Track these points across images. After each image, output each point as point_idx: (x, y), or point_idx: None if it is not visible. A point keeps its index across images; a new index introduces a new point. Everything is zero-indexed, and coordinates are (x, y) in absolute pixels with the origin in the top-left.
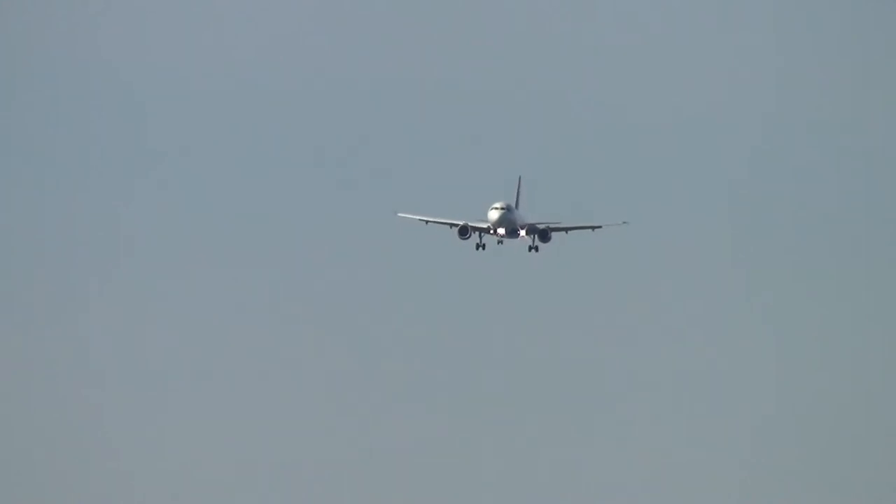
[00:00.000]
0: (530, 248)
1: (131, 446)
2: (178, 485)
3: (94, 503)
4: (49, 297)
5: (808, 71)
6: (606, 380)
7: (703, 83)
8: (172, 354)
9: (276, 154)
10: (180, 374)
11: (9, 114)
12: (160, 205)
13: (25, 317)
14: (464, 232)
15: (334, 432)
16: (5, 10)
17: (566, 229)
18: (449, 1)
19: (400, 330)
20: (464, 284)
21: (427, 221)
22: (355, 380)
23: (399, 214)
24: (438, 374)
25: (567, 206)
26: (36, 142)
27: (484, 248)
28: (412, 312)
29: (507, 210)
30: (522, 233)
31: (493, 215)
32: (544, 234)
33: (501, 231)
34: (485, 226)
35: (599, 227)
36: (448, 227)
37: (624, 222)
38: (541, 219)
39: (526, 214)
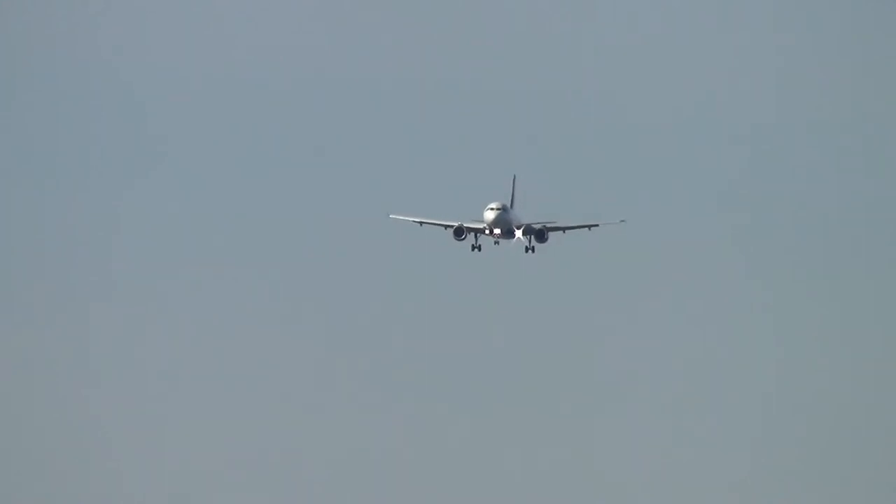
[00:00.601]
0: (527, 249)
1: (130, 446)
2: (177, 485)
3: (94, 503)
4: (49, 297)
5: (808, 71)
6: (605, 384)
7: (698, 81)
8: (165, 354)
9: (269, 155)
10: (170, 374)
11: (9, 114)
12: (159, 205)
13: (25, 317)
14: (459, 233)
15: (328, 435)
16: (5, 10)
17: (563, 229)
18: (441, 1)
19: (396, 334)
20: (460, 286)
21: (421, 223)
22: (350, 385)
23: (392, 216)
24: (436, 379)
25: (563, 205)
26: (36, 142)
27: (480, 250)
28: (408, 316)
29: (503, 210)
30: (518, 233)
31: (489, 215)
32: (541, 235)
33: (497, 231)
34: (480, 226)
35: (596, 225)
36: (443, 228)
37: (621, 221)
38: (536, 219)
39: (521, 215)
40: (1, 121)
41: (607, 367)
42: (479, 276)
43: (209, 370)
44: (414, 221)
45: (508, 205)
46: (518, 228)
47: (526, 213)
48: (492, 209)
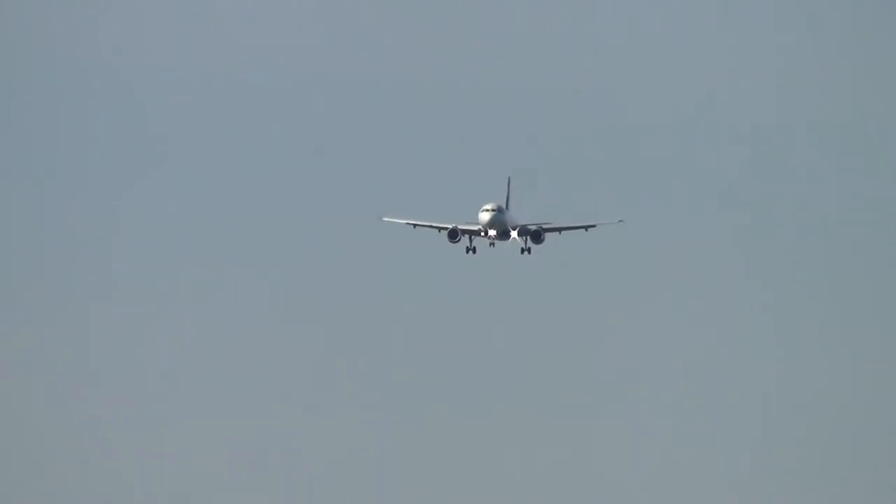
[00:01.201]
0: (523, 251)
1: (129, 446)
2: (176, 485)
3: (94, 503)
4: (49, 297)
5: (808, 71)
6: (603, 388)
7: (697, 81)
8: (159, 354)
9: (266, 156)
10: (164, 373)
11: (9, 114)
12: (158, 205)
13: (25, 317)
14: (453, 235)
15: (319, 436)
16: (5, 10)
17: (559, 229)
18: (438, 1)
19: (390, 340)
20: (455, 290)
21: (414, 225)
22: (342, 390)
23: (384, 219)
24: (430, 385)
25: (560, 205)
26: (36, 142)
27: (475, 252)
28: (402, 321)
29: (499, 211)
30: (514, 234)
31: (485, 216)
32: (537, 236)
33: (493, 233)
34: (475, 228)
35: (594, 226)
36: (437, 230)
37: (620, 221)
38: (532, 219)
39: (517, 216)
40: (1, 121)
41: (604, 371)
42: (474, 279)
43: (203, 371)
44: (407, 224)
45: (504, 206)
46: (513, 230)
47: (522, 214)
48: (487, 210)
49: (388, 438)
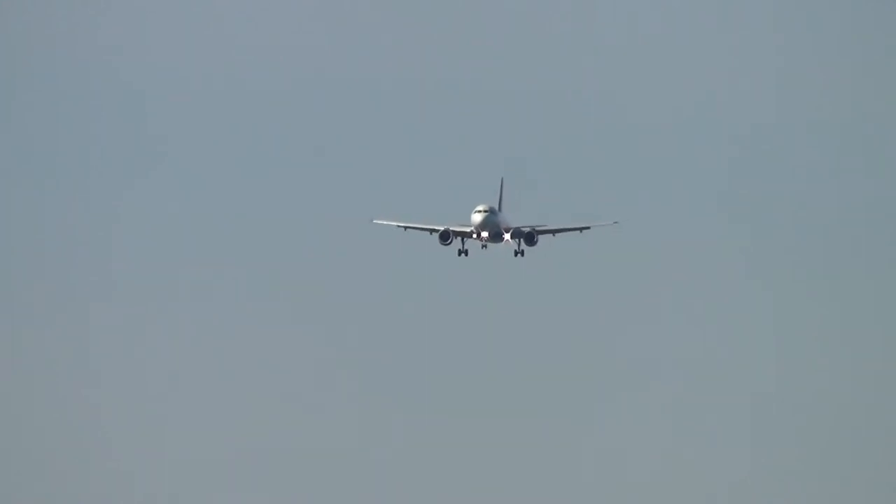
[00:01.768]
0: (516, 253)
1: (128, 446)
2: (175, 484)
3: (94, 503)
4: (49, 297)
5: (808, 71)
6: (599, 391)
7: (696, 81)
8: (154, 353)
9: (262, 157)
10: (157, 373)
11: (9, 114)
12: (158, 205)
13: (26, 317)
14: (445, 237)
15: (312, 437)
16: (5, 10)
17: (553, 231)
18: (435, 1)
19: (381, 345)
20: (447, 293)
21: (405, 228)
22: (334, 394)
23: (375, 221)
24: (422, 389)
25: (556, 206)
26: (36, 142)
27: (467, 255)
28: (393, 326)
29: (491, 212)
30: (507, 236)
31: (477, 218)
32: (530, 237)
33: (485, 235)
34: (467, 230)
35: (588, 227)
36: (428, 233)
37: (615, 222)
38: (526, 221)
39: (510, 217)
40: (1, 121)
41: (599, 375)
42: (466, 283)
43: (194, 370)
44: (398, 226)
45: (496, 207)
46: (506, 231)
47: (516, 215)
48: (479, 211)
49: (379, 441)
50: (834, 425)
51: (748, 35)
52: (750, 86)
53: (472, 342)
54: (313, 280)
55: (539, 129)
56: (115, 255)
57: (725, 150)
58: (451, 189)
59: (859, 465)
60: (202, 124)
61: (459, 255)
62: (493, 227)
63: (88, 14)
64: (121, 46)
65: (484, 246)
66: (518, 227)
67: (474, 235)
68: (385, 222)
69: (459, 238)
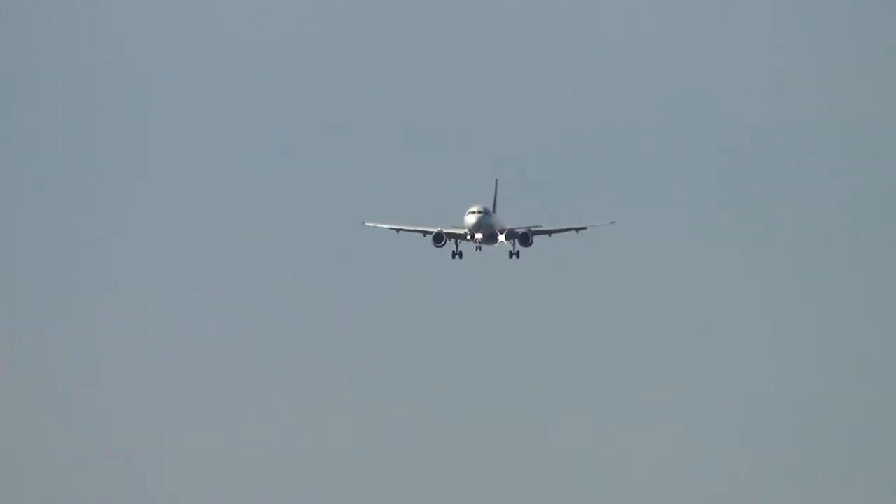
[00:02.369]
0: (511, 255)
1: (128, 446)
2: (175, 484)
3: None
4: (49, 297)
5: (808, 71)
6: (596, 392)
7: (696, 81)
8: (150, 353)
9: (260, 157)
10: (141, 374)
11: (9, 114)
12: (154, 204)
13: (25, 317)
14: (439, 239)
15: (306, 437)
16: (5, 10)
17: (548, 232)
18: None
19: (374, 348)
20: (441, 296)
21: (398, 230)
22: (326, 396)
23: (366, 224)
24: (416, 391)
25: (552, 207)
26: (36, 142)
27: (461, 257)
28: (386, 329)
29: (485, 213)
30: (501, 238)
31: (471, 219)
32: (525, 239)
33: (479, 236)
34: (461, 232)
35: (584, 228)
36: (421, 234)
37: (611, 222)
38: (521, 222)
39: (504, 219)
40: (1, 121)
41: (595, 376)
42: (460, 285)
43: (186, 370)
44: (390, 228)
45: (490, 208)
46: (501, 233)
47: (512, 216)
48: (473, 212)
49: (374, 443)
50: (834, 425)
51: (748, 35)
52: (749, 86)
53: (468, 346)
54: (306, 283)
55: (534, 129)
56: (113, 254)
57: (723, 151)
58: (444, 190)
59: (859, 465)
60: (202, 124)
61: (453, 257)
62: (488, 229)
63: (88, 14)
64: (121, 46)
65: (478, 248)
66: (513, 228)
67: (468, 237)
68: (376, 224)
69: (453, 240)
